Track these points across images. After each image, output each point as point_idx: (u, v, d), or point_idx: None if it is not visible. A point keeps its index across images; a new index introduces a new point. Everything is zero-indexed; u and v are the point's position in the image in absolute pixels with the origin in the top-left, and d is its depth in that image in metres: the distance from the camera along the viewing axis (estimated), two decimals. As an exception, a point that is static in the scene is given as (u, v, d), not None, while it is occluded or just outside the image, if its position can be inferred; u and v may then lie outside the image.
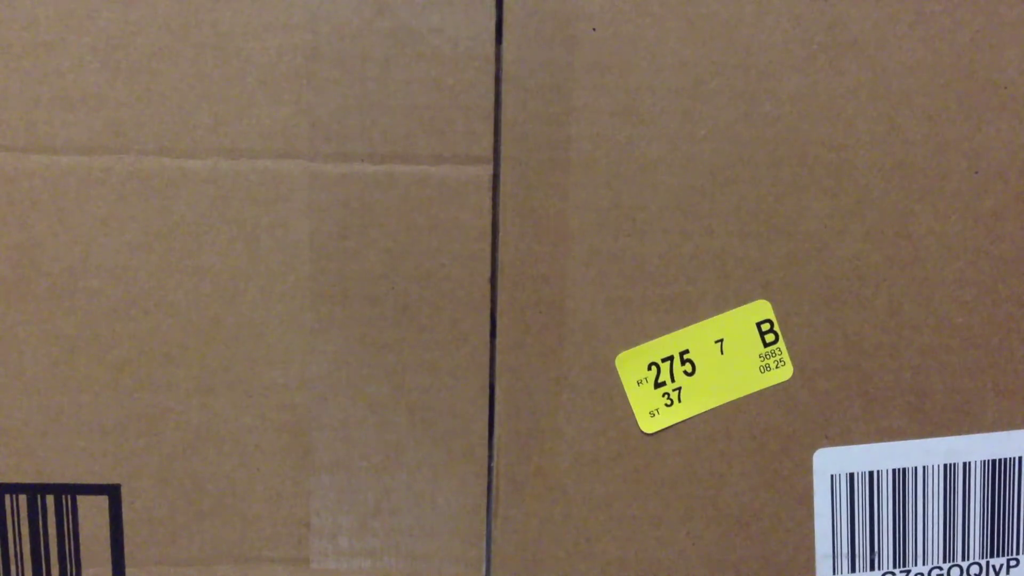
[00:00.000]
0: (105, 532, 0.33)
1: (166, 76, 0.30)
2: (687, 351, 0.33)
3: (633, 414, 0.33)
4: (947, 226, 0.32)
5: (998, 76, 0.32)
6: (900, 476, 0.34)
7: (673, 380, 0.33)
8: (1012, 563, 0.35)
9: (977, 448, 0.34)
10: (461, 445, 0.33)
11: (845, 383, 0.33)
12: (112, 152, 0.31)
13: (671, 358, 0.33)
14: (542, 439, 0.33)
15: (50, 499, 0.33)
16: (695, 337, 0.33)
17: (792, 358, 0.33)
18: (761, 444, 0.33)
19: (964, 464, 0.34)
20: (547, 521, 0.33)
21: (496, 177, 0.32)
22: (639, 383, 0.33)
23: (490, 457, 0.33)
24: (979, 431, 0.34)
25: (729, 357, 0.33)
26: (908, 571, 0.34)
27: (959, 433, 0.34)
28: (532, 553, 0.33)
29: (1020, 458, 0.34)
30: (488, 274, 0.32)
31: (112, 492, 0.33)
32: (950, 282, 0.33)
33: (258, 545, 0.33)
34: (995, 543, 0.34)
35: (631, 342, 0.33)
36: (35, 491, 0.33)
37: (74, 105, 0.30)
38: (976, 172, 0.32)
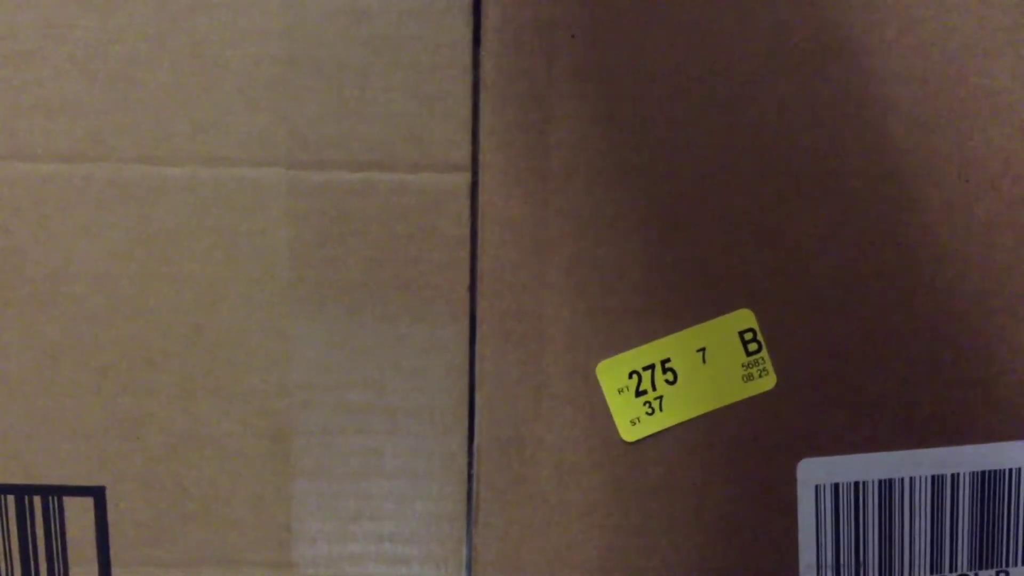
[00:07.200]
0: (91, 533, 0.34)
1: (144, 84, 0.30)
2: (669, 360, 0.32)
3: (614, 423, 0.33)
4: (936, 235, 0.32)
5: (989, 83, 0.31)
6: (887, 487, 0.33)
7: (655, 389, 0.33)
8: (1001, 575, 0.34)
9: (966, 460, 0.33)
10: (441, 452, 0.33)
11: (831, 393, 0.33)
12: (92, 160, 0.31)
13: (652, 367, 0.32)
14: (522, 447, 0.33)
15: (37, 500, 0.33)
16: (677, 346, 0.32)
17: (776, 367, 0.32)
18: (744, 453, 0.33)
19: (952, 476, 0.33)
20: (528, 528, 0.33)
21: (475, 185, 0.31)
22: (620, 391, 0.32)
23: (470, 464, 0.33)
24: (968, 443, 0.33)
25: (711, 366, 0.32)
26: (895, 582, 0.34)
27: (947, 444, 0.33)
28: (513, 561, 0.33)
29: (1009, 470, 0.33)
30: (467, 282, 0.32)
31: (97, 494, 0.33)
32: (939, 292, 0.32)
33: (241, 548, 0.34)
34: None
35: (612, 350, 0.32)
36: (23, 492, 0.33)
37: (54, 113, 0.31)
38: (967, 180, 0.31)
